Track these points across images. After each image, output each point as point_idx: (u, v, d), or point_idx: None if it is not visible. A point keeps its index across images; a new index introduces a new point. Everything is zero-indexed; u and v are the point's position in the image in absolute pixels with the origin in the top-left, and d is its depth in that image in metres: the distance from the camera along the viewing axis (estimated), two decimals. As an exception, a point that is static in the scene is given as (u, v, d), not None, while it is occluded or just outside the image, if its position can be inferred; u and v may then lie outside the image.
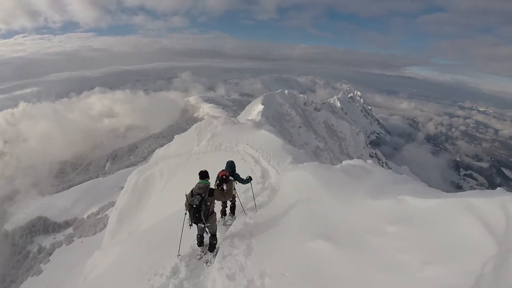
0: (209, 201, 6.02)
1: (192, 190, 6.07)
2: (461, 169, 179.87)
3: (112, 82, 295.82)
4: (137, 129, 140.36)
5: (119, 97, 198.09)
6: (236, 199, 8.12)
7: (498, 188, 5.68)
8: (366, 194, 6.37)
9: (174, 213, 10.09)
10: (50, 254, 51.48)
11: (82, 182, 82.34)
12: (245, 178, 8.22)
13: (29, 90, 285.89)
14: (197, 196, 5.83)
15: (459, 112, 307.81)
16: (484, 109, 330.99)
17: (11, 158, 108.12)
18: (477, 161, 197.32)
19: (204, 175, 6.29)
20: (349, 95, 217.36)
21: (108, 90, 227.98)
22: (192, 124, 25.92)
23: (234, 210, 8.32)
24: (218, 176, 7.41)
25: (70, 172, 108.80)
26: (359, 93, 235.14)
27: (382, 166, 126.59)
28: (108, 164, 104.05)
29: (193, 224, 6.00)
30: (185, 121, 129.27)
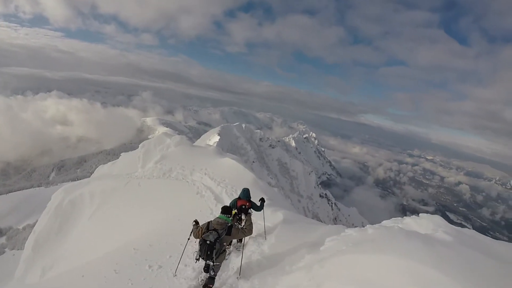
0: (225, 241, 5.53)
1: (209, 222, 5.53)
2: (407, 213, 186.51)
3: (71, 88, 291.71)
4: (89, 142, 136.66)
5: (75, 105, 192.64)
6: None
7: None
8: None
9: (103, 257, 8.12)
10: (-24, 264, 48.52)
11: (23, 189, 78.49)
12: (259, 204, 7.48)
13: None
14: (213, 232, 5.24)
15: (408, 160, 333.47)
16: (431, 158, 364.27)
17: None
18: (423, 205, 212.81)
19: (227, 210, 5.84)
20: (304, 136, 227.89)
21: (65, 96, 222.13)
22: (146, 145, 23.33)
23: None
24: (235, 205, 6.95)
25: (12, 175, 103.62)
26: (314, 134, 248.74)
27: (332, 207, 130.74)
28: (53, 174, 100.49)
29: (200, 259, 5.37)
30: (139, 141, 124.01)
